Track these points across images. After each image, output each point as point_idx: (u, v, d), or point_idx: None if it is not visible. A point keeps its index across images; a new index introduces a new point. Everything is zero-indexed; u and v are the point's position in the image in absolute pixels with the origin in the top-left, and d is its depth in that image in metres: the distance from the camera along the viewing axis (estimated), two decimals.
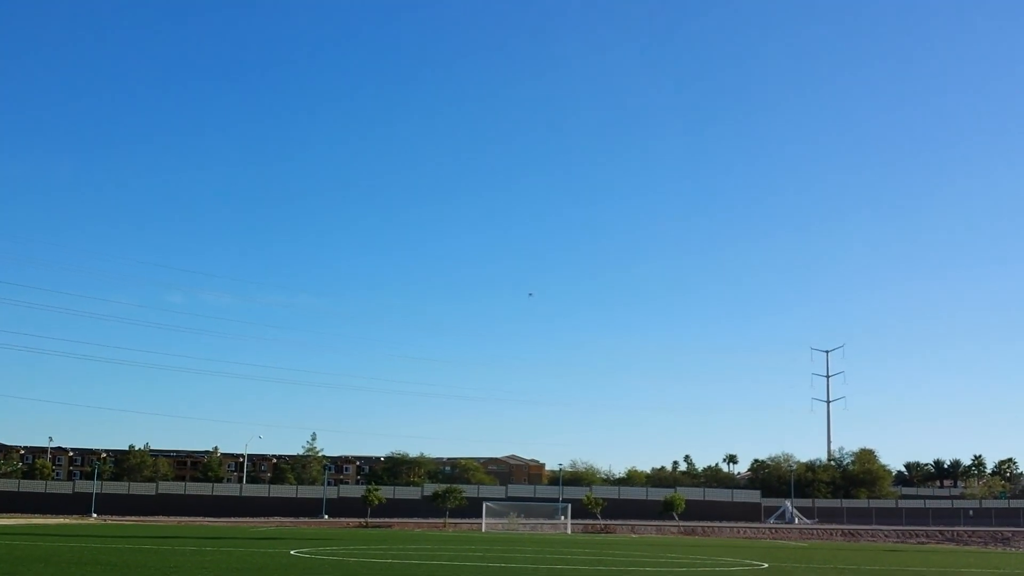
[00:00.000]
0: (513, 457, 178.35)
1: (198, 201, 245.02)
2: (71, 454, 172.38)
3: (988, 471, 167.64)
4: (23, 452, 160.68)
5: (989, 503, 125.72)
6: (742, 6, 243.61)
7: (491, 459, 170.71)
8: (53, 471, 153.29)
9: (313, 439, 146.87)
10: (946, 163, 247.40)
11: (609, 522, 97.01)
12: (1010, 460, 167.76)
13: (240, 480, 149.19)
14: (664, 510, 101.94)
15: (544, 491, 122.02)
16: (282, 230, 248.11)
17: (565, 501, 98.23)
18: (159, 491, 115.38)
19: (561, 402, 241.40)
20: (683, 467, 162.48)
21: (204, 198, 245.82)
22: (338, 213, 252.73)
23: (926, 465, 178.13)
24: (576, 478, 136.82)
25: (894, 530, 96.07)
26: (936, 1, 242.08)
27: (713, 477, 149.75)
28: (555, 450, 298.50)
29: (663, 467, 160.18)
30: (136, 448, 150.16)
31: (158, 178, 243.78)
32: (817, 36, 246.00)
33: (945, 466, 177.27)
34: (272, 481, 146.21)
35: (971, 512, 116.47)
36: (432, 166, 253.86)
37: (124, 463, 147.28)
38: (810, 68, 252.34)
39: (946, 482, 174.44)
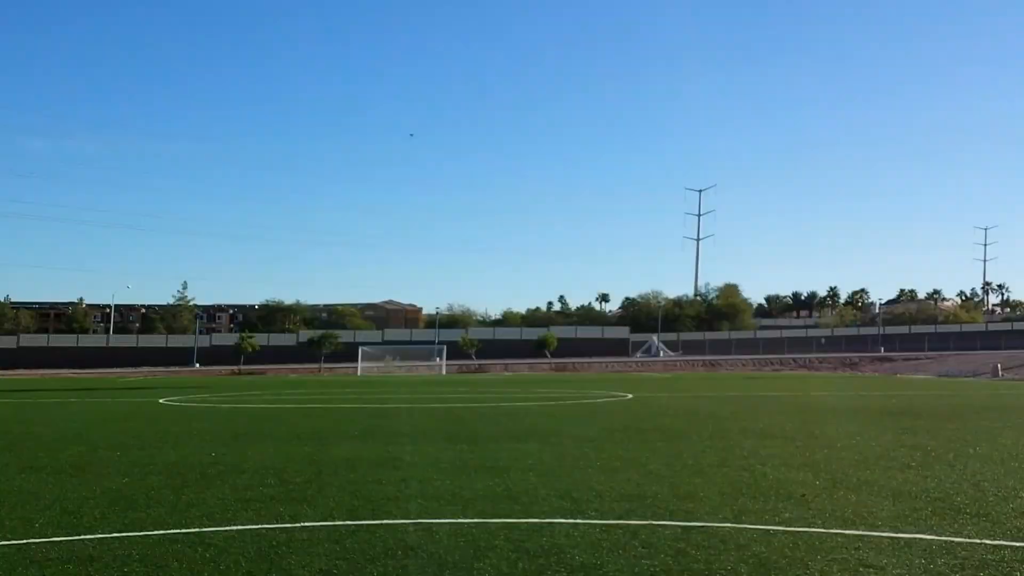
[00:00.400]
0: (391, 302, 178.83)
1: (62, 42, 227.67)
2: None
3: (842, 302, 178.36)
4: None
5: (841, 331, 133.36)
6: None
7: (369, 305, 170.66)
8: None
9: (184, 288, 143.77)
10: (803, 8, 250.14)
11: (484, 362, 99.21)
12: (863, 290, 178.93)
13: (107, 331, 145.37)
14: (537, 348, 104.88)
15: (421, 335, 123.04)
16: (152, 72, 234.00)
17: (441, 343, 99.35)
18: (20, 344, 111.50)
19: (439, 247, 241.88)
20: (557, 307, 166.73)
21: (70, 39, 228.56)
22: (212, 55, 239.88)
23: (785, 297, 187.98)
24: (453, 321, 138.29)
25: (752, 359, 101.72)
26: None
27: (586, 316, 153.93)
28: (433, 295, 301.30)
29: (538, 308, 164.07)
30: None
31: (21, 16, 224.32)
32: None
33: (803, 298, 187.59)
34: (141, 332, 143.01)
35: (823, 340, 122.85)
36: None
37: None
38: None
39: (803, 313, 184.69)
